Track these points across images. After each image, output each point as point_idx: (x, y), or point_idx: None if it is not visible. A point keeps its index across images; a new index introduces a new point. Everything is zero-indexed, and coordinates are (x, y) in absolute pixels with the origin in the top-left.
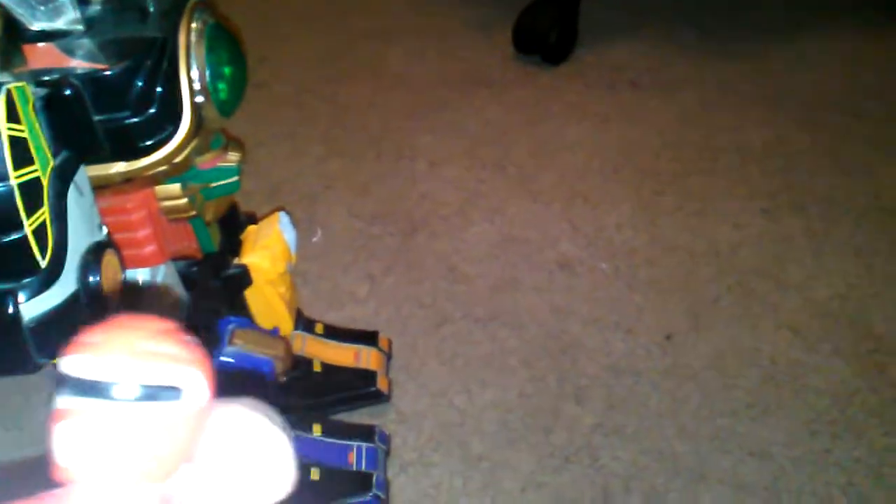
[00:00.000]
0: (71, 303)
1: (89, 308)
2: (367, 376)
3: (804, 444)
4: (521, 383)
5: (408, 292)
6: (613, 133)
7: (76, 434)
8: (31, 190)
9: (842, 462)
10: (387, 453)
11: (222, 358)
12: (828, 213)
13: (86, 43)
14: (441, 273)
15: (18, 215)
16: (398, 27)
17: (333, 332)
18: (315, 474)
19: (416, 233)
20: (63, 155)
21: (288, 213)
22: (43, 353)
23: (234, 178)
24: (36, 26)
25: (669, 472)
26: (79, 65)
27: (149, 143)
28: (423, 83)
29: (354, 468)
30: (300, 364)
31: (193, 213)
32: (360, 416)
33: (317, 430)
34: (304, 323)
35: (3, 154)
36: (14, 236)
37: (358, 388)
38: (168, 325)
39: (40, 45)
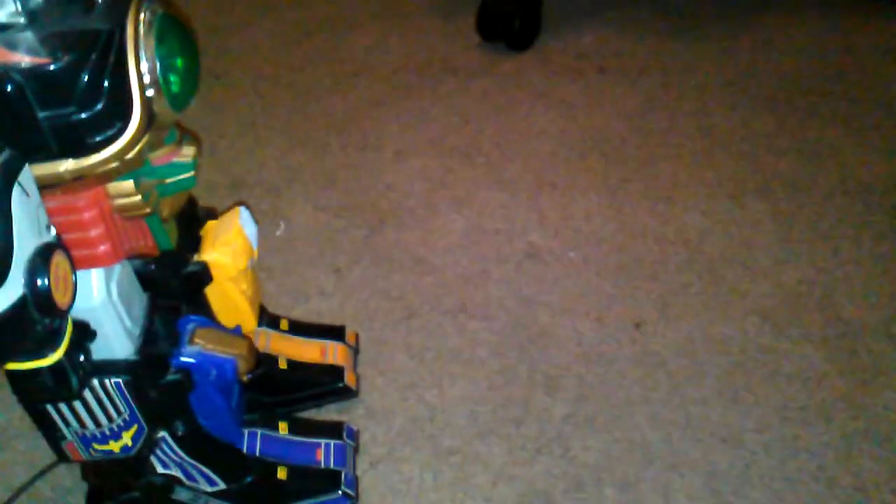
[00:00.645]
0: (18, 308)
1: (38, 312)
2: (335, 372)
3: (775, 429)
4: (491, 375)
5: (375, 285)
6: (580, 120)
7: None
8: None
9: (812, 447)
10: (356, 450)
11: (182, 359)
12: (794, 197)
13: (28, 36)
14: (408, 265)
15: None
16: (360, 13)
17: (299, 328)
18: (282, 473)
19: (383, 224)
20: (6, 153)
21: (248, 207)
22: None
23: (190, 174)
24: None
25: (641, 461)
26: (21, 59)
27: (98, 139)
28: (387, 70)
29: (322, 466)
30: (265, 361)
31: (148, 210)
32: (327, 413)
33: (283, 428)
34: (268, 319)
35: None
36: None
37: (325, 384)
38: None
39: None
